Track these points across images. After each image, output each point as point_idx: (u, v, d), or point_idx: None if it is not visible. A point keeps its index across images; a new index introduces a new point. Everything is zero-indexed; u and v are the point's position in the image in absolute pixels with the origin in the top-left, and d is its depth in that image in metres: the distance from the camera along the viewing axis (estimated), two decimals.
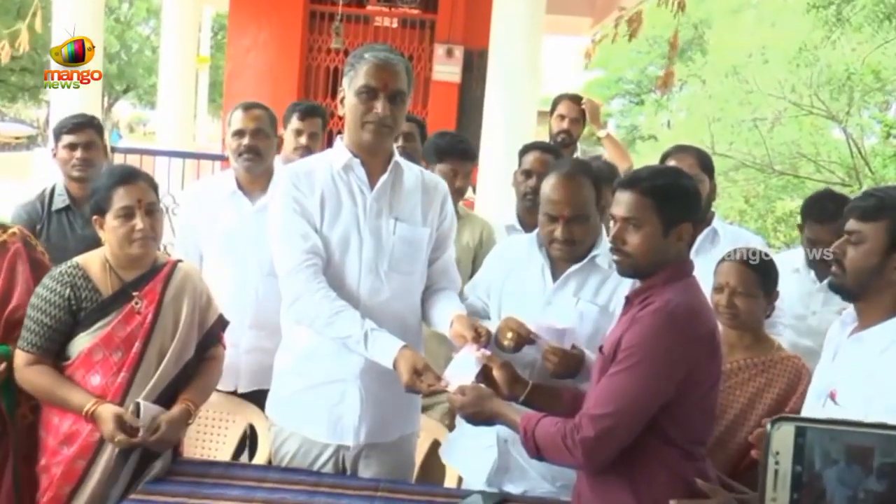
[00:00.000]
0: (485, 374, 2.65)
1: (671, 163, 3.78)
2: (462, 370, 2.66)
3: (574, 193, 2.91)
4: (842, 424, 1.57)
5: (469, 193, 4.30)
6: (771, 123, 12.45)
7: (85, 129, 3.99)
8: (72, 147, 3.95)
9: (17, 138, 30.12)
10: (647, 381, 2.33)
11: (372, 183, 2.94)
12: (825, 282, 3.26)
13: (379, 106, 2.83)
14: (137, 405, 2.78)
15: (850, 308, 2.66)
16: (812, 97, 11.78)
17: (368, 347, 2.74)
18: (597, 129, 5.41)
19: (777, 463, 1.54)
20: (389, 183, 2.96)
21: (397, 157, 3.00)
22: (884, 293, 2.49)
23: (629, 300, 2.52)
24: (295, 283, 2.83)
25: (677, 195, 2.48)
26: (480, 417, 2.57)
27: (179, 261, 3.08)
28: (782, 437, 1.55)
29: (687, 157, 3.84)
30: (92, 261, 2.94)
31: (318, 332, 2.84)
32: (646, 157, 16.51)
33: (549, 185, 2.94)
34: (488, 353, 2.69)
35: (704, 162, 3.90)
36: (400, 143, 4.39)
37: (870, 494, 1.52)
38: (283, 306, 2.91)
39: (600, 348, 2.52)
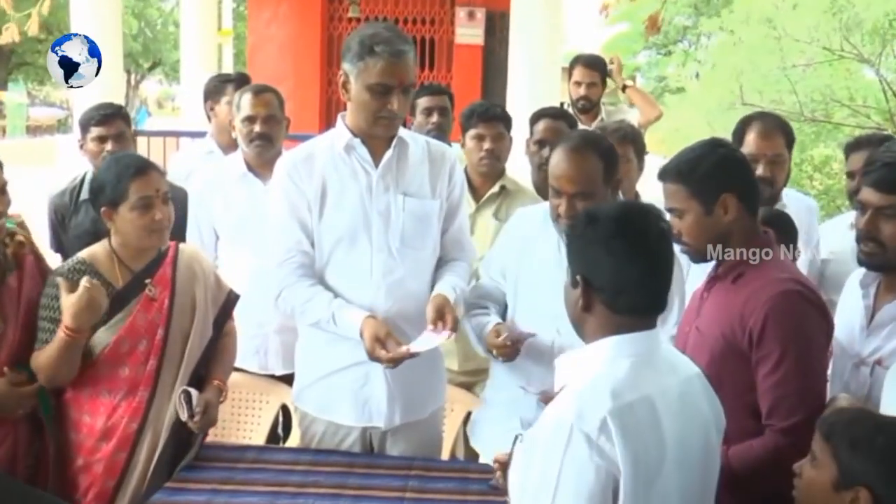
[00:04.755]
0: None
1: (752, 135, 3.57)
2: (423, 344, 2.73)
3: (578, 169, 2.82)
4: None
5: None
6: (803, 69, 12.19)
7: (114, 121, 3.89)
8: (101, 139, 3.85)
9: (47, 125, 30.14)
10: (814, 367, 2.37)
11: (376, 161, 2.91)
12: None
13: (395, 103, 2.78)
14: (188, 394, 2.80)
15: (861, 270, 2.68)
16: (843, 41, 11.49)
17: (338, 325, 2.79)
18: (619, 83, 5.37)
19: None
20: (394, 159, 2.93)
21: (400, 132, 2.95)
22: None
23: (716, 277, 2.53)
24: (278, 279, 2.91)
25: (706, 170, 2.46)
26: None
27: (181, 243, 3.08)
28: None
29: (773, 134, 3.58)
30: (97, 254, 2.92)
31: (300, 323, 2.92)
32: (675, 109, 16.23)
33: (554, 159, 2.87)
34: (450, 335, 2.74)
35: (789, 136, 3.65)
36: (435, 118, 4.40)
37: None
38: (274, 301, 2.96)
39: (696, 328, 2.54)
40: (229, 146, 4.32)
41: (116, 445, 2.81)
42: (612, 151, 2.91)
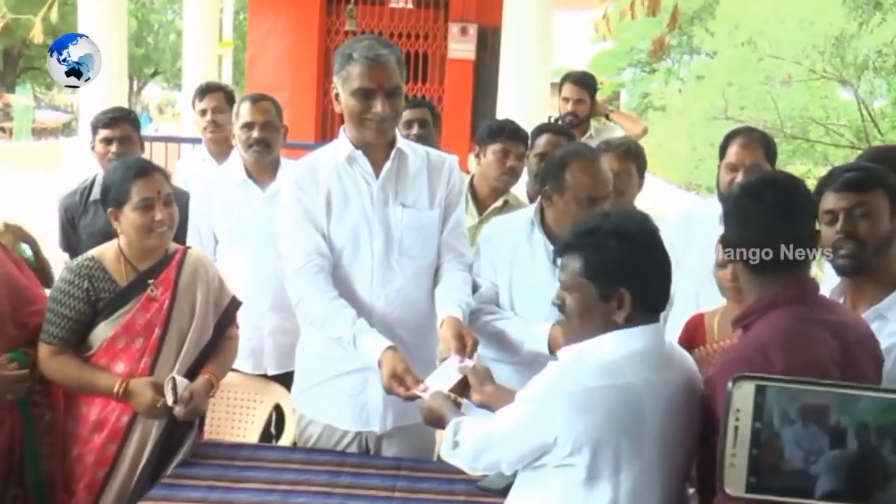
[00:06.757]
0: (461, 383, 2.61)
1: (734, 147, 3.55)
2: (442, 379, 2.65)
3: (606, 171, 3.00)
4: (799, 383, 1.60)
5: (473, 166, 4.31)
6: (781, 84, 12.34)
7: (120, 124, 4.04)
8: (107, 141, 4.00)
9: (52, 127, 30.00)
10: None
11: (376, 172, 2.98)
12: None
13: (378, 105, 2.84)
14: (174, 380, 2.87)
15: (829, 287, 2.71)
16: (823, 62, 11.66)
17: (357, 348, 2.79)
18: (602, 114, 5.56)
19: (737, 420, 1.58)
20: (394, 170, 2.99)
21: (400, 144, 3.02)
22: (886, 260, 2.55)
23: (734, 326, 2.42)
24: (297, 285, 2.93)
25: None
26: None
27: (189, 247, 3.17)
28: (743, 395, 1.58)
29: (754, 146, 3.55)
30: (106, 253, 3.02)
31: (321, 332, 2.94)
32: (658, 125, 16.38)
33: (580, 173, 2.96)
34: (471, 363, 2.67)
35: (769, 148, 3.62)
36: (415, 130, 4.47)
37: (825, 454, 1.55)
38: (293, 306, 2.99)
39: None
40: (220, 155, 4.48)
41: (107, 437, 2.90)
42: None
